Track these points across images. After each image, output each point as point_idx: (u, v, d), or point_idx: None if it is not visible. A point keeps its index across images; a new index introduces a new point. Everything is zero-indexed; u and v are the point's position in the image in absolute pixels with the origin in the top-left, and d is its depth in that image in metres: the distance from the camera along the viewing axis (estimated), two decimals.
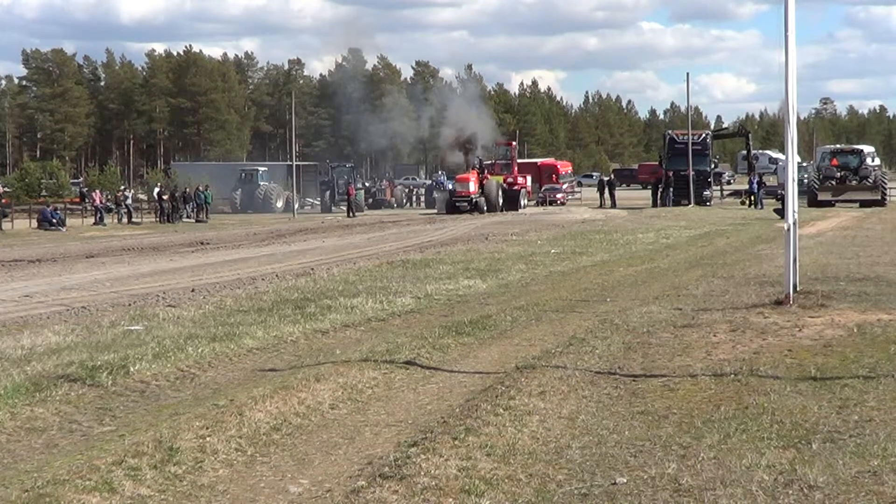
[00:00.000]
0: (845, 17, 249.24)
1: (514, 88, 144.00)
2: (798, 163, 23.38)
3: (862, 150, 55.68)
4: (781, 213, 15.99)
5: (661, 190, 54.30)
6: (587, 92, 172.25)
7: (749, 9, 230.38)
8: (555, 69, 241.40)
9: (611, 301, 14.85)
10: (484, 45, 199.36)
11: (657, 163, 61.94)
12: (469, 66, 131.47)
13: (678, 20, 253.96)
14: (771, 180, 62.15)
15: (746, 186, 55.78)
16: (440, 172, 64.49)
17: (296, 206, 59.42)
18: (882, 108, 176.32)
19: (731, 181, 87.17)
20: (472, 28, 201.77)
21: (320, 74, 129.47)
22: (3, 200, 49.51)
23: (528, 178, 60.90)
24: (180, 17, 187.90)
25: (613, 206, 56.57)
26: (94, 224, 48.48)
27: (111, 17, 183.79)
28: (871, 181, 49.71)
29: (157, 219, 51.86)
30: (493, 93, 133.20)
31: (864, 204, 47.28)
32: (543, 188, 65.63)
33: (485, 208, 52.17)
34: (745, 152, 70.65)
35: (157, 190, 57.37)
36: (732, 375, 8.99)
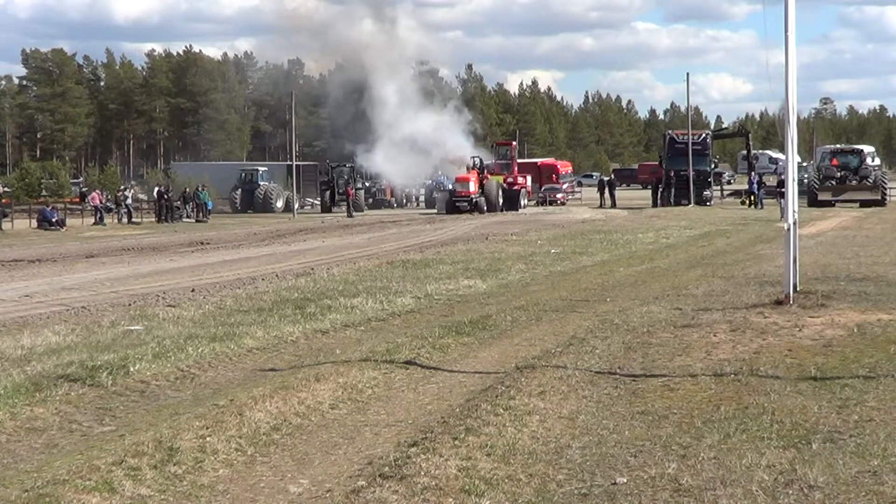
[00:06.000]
0: (839, 18, 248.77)
1: (511, 89, 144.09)
2: (798, 163, 23.34)
3: (862, 150, 55.70)
4: (774, 191, 16.02)
5: (661, 190, 54.30)
6: (587, 92, 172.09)
7: (743, 9, 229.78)
8: (550, 69, 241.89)
9: (611, 301, 14.85)
10: (479, 45, 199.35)
11: (657, 163, 61.90)
12: (469, 66, 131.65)
13: (673, 20, 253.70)
14: (771, 180, 62.15)
15: (746, 186, 55.78)
16: (440, 172, 64.40)
17: (296, 206, 59.36)
18: (882, 108, 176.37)
19: (731, 181, 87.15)
20: (466, 28, 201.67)
21: (320, 74, 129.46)
22: (4, 200, 49.45)
23: (528, 178, 60.91)
24: (175, 17, 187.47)
25: (613, 205, 56.56)
26: (94, 224, 48.45)
27: (105, 17, 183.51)
28: (871, 181, 49.72)
29: (157, 219, 51.88)
30: (492, 92, 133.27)
31: (864, 204, 47.29)
32: (543, 188, 65.64)
33: (485, 208, 52.16)
34: (745, 152, 70.67)
35: (157, 190, 57.38)
36: (732, 375, 8.99)
